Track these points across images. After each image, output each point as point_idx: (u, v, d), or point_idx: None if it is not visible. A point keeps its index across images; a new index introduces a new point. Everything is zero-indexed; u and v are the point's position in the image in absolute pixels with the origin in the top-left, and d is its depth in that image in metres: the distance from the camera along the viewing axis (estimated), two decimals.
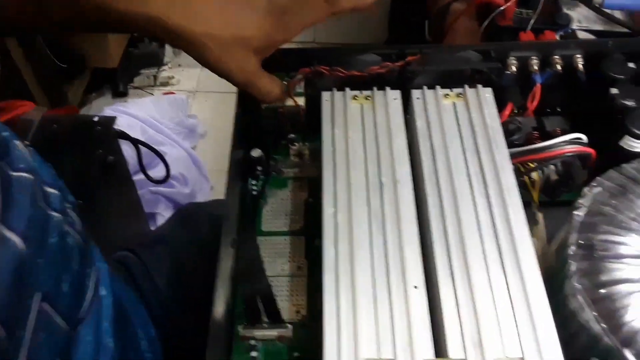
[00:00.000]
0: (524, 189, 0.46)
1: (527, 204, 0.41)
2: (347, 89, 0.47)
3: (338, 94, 0.46)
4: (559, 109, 0.52)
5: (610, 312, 0.35)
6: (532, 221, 0.45)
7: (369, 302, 0.35)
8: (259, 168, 0.49)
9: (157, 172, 0.88)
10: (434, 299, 0.36)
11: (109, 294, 0.41)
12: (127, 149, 0.75)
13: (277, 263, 0.45)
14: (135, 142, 0.72)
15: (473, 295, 0.35)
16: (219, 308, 0.37)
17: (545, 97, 0.50)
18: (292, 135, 0.51)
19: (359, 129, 0.44)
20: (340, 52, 0.51)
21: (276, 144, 0.51)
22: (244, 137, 0.48)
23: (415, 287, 0.36)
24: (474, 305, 0.35)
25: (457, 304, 0.35)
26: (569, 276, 0.37)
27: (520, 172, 0.46)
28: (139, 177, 0.84)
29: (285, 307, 0.42)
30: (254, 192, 0.48)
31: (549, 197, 0.48)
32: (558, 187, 0.48)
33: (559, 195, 0.48)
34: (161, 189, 1.15)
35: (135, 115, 1.26)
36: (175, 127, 1.35)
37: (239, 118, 0.48)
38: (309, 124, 0.49)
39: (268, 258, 0.45)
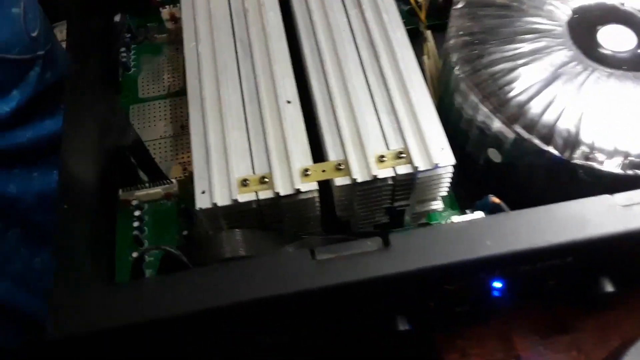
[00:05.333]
0: (413, 14, 0.44)
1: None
2: None
3: None
4: None
5: (494, 92, 0.33)
6: (422, 40, 0.42)
7: (239, 121, 0.33)
8: (127, 35, 0.45)
9: None
10: (310, 112, 0.33)
11: None
12: None
13: (159, 126, 0.41)
14: None
15: (349, 97, 0.33)
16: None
17: None
18: None
19: None
20: None
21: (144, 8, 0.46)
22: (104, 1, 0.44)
23: (289, 102, 0.33)
24: (351, 107, 0.32)
25: (333, 109, 0.32)
26: (451, 67, 0.35)
27: None
28: None
29: (172, 167, 0.39)
30: (124, 60, 0.44)
31: (438, 20, 0.46)
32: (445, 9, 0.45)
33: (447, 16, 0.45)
34: None
35: None
36: None
37: None
38: None
39: (149, 123, 0.42)
